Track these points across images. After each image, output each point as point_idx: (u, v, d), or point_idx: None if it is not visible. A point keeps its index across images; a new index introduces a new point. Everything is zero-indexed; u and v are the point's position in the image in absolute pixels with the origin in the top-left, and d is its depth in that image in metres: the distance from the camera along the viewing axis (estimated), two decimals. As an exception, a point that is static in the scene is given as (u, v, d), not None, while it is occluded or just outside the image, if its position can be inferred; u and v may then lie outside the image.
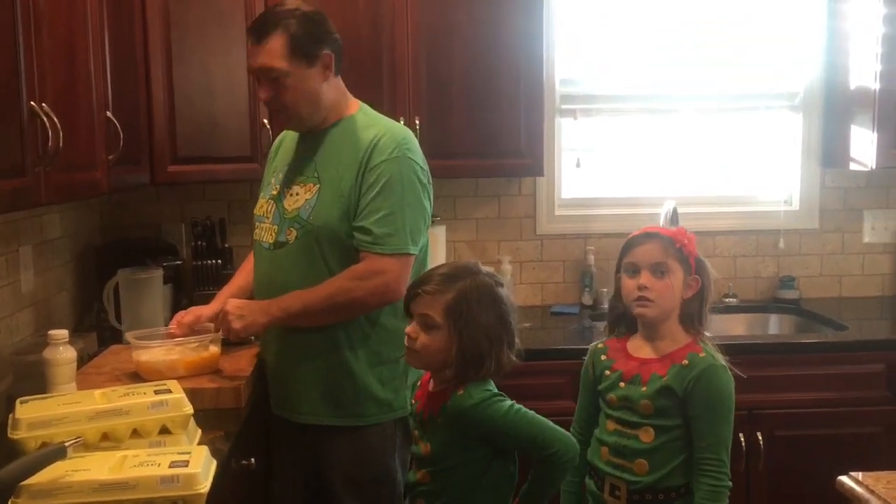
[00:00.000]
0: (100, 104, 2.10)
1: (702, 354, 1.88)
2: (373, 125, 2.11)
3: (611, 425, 1.93)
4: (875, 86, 2.99)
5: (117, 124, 2.18)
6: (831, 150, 3.31)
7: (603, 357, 2.00)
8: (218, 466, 1.58)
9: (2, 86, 1.57)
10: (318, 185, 2.08)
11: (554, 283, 3.36)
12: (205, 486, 1.46)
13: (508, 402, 1.79)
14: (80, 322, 2.82)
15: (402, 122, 2.77)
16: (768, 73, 3.36)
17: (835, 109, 3.28)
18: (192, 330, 2.18)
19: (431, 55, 2.85)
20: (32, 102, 1.66)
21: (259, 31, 2.04)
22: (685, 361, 1.87)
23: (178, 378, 1.98)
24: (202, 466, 1.48)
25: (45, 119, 1.69)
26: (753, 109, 3.39)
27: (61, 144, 1.72)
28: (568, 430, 1.85)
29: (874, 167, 3.03)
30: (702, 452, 1.84)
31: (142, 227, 3.14)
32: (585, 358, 2.06)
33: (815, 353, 2.77)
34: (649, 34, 3.30)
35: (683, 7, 3.30)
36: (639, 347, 1.96)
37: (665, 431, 1.87)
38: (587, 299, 3.28)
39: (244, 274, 2.36)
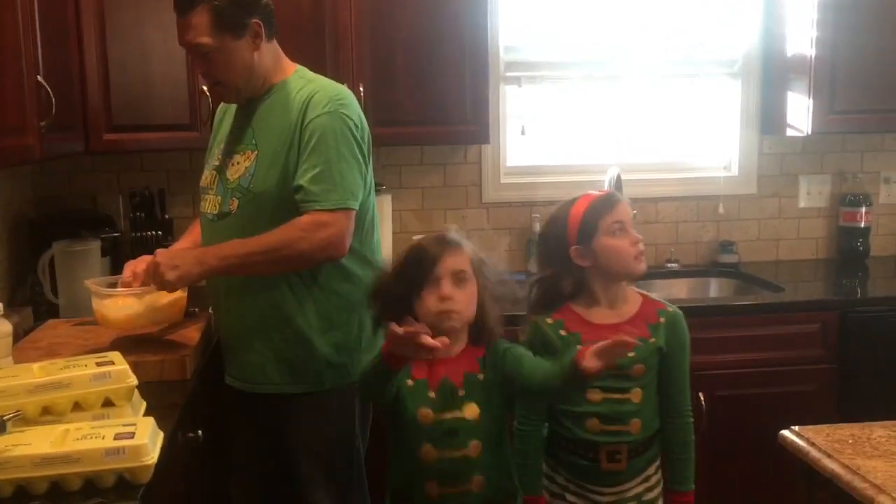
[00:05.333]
0: (29, 68, 2.03)
1: (669, 309, 1.97)
2: (307, 85, 2.06)
3: (596, 395, 1.89)
4: (811, 52, 3.04)
5: (49, 89, 2.10)
6: (769, 117, 3.37)
7: (562, 332, 1.91)
8: (164, 439, 1.55)
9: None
10: (255, 152, 2.04)
11: (500, 250, 3.37)
12: (152, 457, 1.44)
13: None
14: (14, 297, 2.72)
15: (345, 89, 2.75)
16: (709, 40, 3.40)
17: (772, 76, 3.34)
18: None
19: (375, 21, 2.80)
20: (-43, 64, 1.59)
21: (182, 4, 1.97)
22: (662, 319, 1.94)
23: (151, 326, 2.10)
24: (149, 437, 1.46)
25: (-29, 82, 1.62)
26: (694, 76, 3.43)
27: (-10, 108, 1.66)
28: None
29: (810, 133, 3.10)
30: (677, 396, 1.95)
31: (77, 198, 3.04)
32: (523, 338, 1.95)
33: (753, 314, 2.85)
34: (593, 1, 3.31)
35: (625, -26, 3.31)
36: (598, 314, 1.94)
37: (648, 386, 1.93)
38: (533, 266, 3.30)
39: (189, 239, 2.29)
